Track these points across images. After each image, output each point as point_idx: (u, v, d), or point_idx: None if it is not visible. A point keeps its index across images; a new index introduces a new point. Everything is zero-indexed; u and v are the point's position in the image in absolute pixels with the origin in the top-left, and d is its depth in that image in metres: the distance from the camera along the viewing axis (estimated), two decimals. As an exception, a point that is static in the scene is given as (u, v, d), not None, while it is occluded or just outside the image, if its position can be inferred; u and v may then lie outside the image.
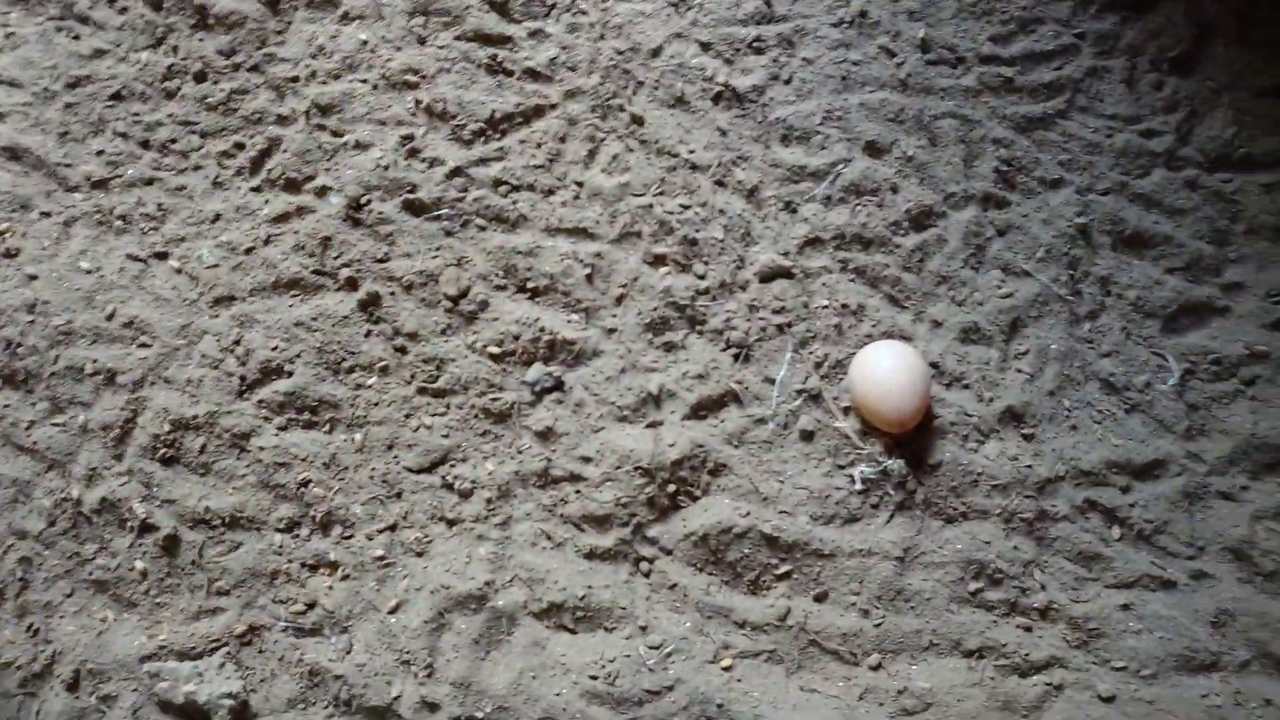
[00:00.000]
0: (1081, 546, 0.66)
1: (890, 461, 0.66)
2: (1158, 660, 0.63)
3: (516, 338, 0.68)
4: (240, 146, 0.73)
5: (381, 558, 0.65)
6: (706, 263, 0.70)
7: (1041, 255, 0.71)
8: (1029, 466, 0.67)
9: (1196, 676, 0.63)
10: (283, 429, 0.67)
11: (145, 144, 0.74)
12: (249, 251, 0.71)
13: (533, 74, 0.73)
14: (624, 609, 0.63)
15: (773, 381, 0.68)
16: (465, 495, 0.66)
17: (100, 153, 0.74)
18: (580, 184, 0.71)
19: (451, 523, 0.65)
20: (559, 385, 0.68)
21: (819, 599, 0.65)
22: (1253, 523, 0.66)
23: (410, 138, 0.71)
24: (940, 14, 0.75)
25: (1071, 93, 0.74)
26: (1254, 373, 0.69)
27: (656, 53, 0.73)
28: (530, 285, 0.69)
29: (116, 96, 0.75)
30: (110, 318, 0.69)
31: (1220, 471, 0.68)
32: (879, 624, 0.64)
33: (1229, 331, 0.70)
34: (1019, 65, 0.74)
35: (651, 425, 0.67)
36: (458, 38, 0.73)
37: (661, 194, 0.71)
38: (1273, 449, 0.67)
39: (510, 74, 0.73)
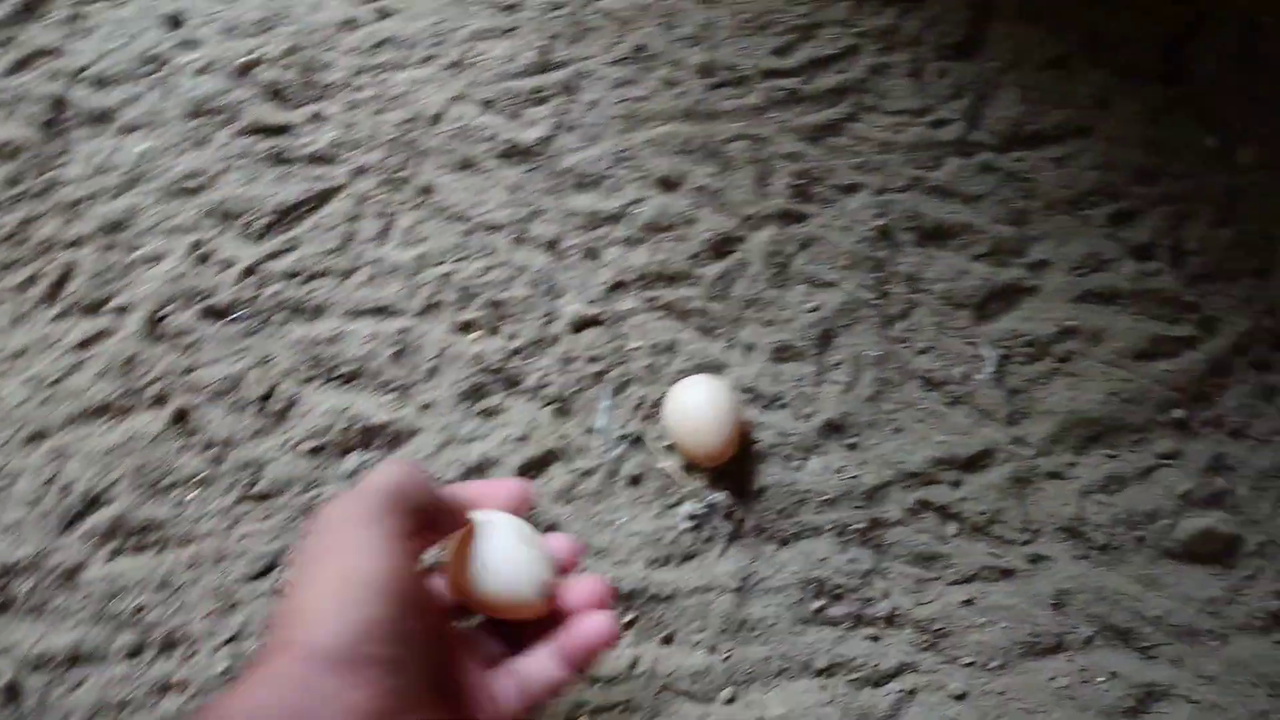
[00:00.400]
0: (918, 548, 0.66)
1: (714, 495, 0.66)
2: (1004, 650, 0.64)
3: (329, 429, 0.68)
4: (37, 276, 0.73)
5: (227, 670, 0.65)
6: (516, 322, 0.70)
7: (845, 263, 0.71)
8: (855, 476, 0.67)
9: (1043, 660, 0.64)
10: (112, 557, 0.67)
11: (-57, 288, 0.74)
12: (56, 383, 0.70)
13: (317, 158, 0.73)
14: (471, 684, 0.63)
15: (594, 432, 0.68)
16: (299, 596, 0.65)
17: (-101, 304, 0.74)
18: (377, 261, 0.71)
19: (289, 626, 0.65)
20: (379, 471, 0.67)
21: (666, 641, 0.65)
22: (1081, 498, 0.67)
23: (200, 243, 0.71)
24: (718, 35, 0.75)
25: (858, 94, 0.74)
26: (1067, 349, 0.69)
27: (438, 118, 0.73)
28: (338, 373, 0.69)
29: (-91, 244, 0.75)
30: (-78, 474, 0.69)
31: (1046, 452, 0.68)
32: (727, 657, 0.64)
33: (1039, 310, 0.70)
34: (802, 75, 0.74)
35: (479, 495, 0.67)
36: (237, 134, 0.73)
37: (461, 260, 0.71)
38: (1092, 422, 0.68)
39: (294, 161, 0.73)
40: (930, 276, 0.71)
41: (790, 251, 0.71)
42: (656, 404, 0.69)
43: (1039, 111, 0.73)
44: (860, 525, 0.66)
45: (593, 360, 0.69)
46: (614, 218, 0.71)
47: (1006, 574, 0.66)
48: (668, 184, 0.72)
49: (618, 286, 0.70)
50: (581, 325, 0.70)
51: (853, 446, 0.68)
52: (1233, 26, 0.76)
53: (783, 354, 0.70)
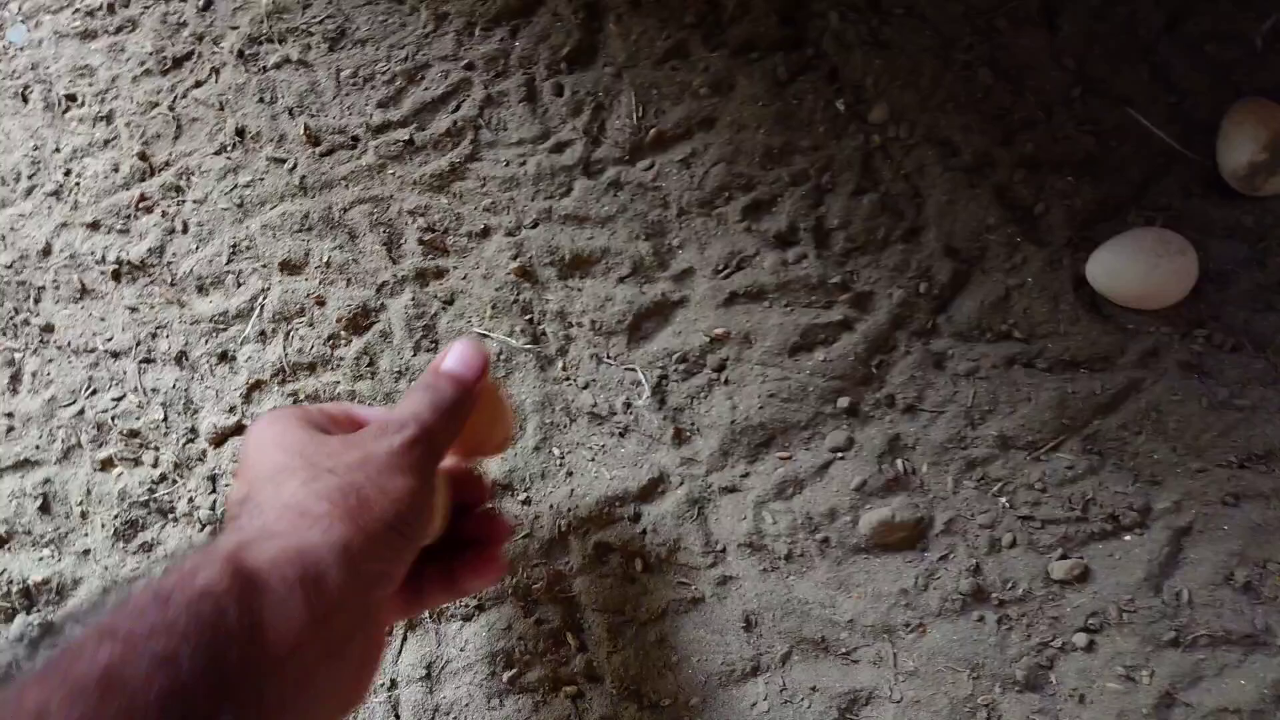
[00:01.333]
0: (606, 592, 0.64)
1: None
2: (701, 685, 0.62)
3: (-13, 599, 0.65)
4: None
5: None
6: (156, 449, 0.67)
7: (492, 312, 0.68)
8: (528, 535, 0.65)
9: (744, 687, 0.62)
10: None
11: None
12: None
13: (-66, 319, 0.70)
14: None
15: (256, 544, 0.66)
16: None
17: None
18: (10, 414, 0.68)
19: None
20: (50, 628, 0.65)
21: (365, 743, 0.63)
22: (757, 509, 0.64)
23: None
24: (320, 99, 0.71)
25: (474, 131, 0.70)
26: (720, 358, 0.66)
27: (47, 251, 0.69)
28: (-11, 539, 0.67)
29: None
30: None
31: (717, 467, 0.65)
32: (428, 749, 0.62)
33: (690, 323, 0.67)
34: (414, 123, 0.70)
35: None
36: None
37: (92, 394, 0.68)
38: (756, 428, 0.65)
39: (-90, 328, 0.70)
40: (578, 309, 0.68)
41: (433, 311, 0.68)
42: (318, 501, 0.66)
43: (660, 110, 0.69)
44: (540, 584, 0.64)
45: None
46: (241, 315, 0.68)
47: (696, 602, 0.64)
48: (290, 267, 0.69)
49: (256, 387, 0.67)
50: (223, 438, 0.67)
51: (526, 501, 0.65)
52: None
53: (442, 421, 0.67)
